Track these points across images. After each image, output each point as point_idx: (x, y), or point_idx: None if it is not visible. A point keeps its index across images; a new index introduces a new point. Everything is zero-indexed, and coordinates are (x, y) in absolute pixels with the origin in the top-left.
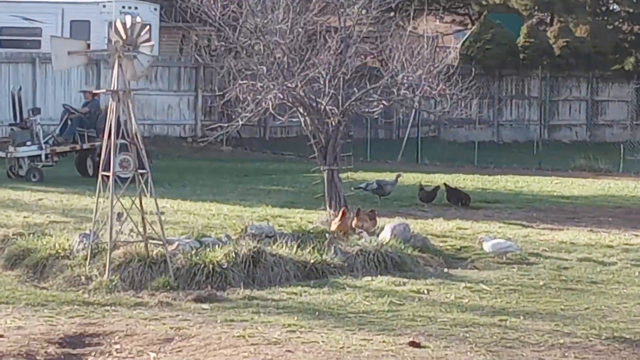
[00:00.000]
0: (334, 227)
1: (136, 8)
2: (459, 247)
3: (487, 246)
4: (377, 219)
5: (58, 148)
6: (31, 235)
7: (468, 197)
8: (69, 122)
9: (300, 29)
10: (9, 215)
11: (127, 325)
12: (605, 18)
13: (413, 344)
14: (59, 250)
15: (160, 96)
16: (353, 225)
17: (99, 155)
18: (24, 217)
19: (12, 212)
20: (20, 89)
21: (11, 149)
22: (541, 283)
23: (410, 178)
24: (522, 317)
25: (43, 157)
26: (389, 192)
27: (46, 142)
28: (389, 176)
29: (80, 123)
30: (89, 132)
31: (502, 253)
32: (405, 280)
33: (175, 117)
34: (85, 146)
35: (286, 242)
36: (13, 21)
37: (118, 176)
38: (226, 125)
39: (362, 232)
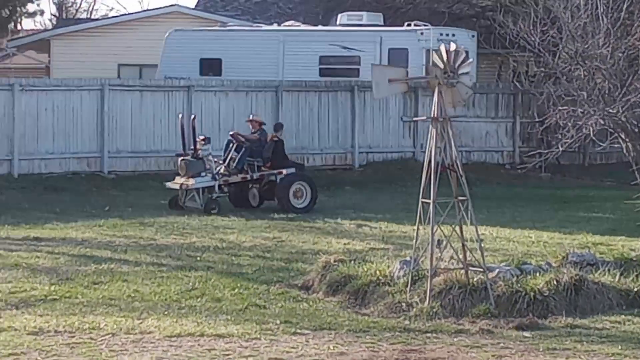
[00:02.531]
0: None
1: (453, 35)
2: None
3: None
4: None
5: (230, 178)
6: (352, 262)
7: None
8: (239, 151)
9: (620, 54)
10: (330, 242)
11: (448, 352)
12: None
13: None
14: (380, 277)
15: (477, 123)
16: None
17: (265, 185)
18: (344, 244)
19: (332, 238)
20: (194, 117)
21: (180, 179)
22: None
23: None
24: None
25: (216, 188)
26: None
27: (217, 173)
28: None
29: (250, 153)
30: (257, 161)
31: None
32: None
33: (493, 144)
34: (255, 176)
35: (608, 270)
36: (332, 50)
37: (294, 206)
38: (545, 151)
39: None
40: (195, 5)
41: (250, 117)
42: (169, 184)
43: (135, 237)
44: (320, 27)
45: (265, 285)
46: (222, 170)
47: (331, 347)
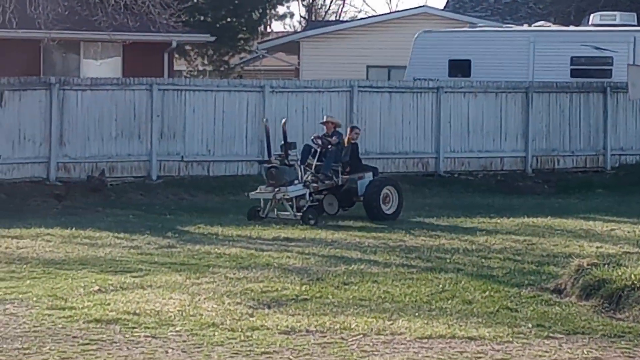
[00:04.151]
0: None
1: None
2: None
3: None
4: None
5: (320, 186)
6: (606, 265)
7: None
8: (324, 156)
9: None
10: (582, 245)
11: None
12: None
13: None
14: (635, 282)
15: None
16: None
17: (345, 191)
18: (597, 247)
19: (584, 242)
20: (285, 121)
21: (269, 189)
22: None
23: None
24: None
25: (307, 197)
26: None
27: (307, 180)
28: None
29: (335, 158)
30: (338, 166)
31: None
32: None
33: None
34: (340, 182)
35: None
36: (584, 51)
37: (383, 212)
38: None
39: None
40: (444, 7)
41: (325, 119)
42: (254, 194)
43: (384, 238)
44: (571, 28)
45: (516, 288)
46: (310, 178)
47: (585, 352)
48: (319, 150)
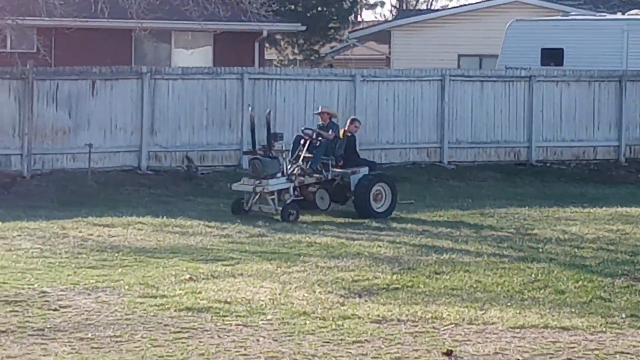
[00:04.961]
0: None
1: None
2: None
3: None
4: None
5: (306, 179)
6: None
7: None
8: (314, 149)
9: None
10: None
11: None
12: None
13: None
14: None
15: None
16: None
17: (338, 186)
18: None
19: None
20: (269, 112)
21: (251, 181)
22: None
23: None
24: None
25: (291, 191)
26: None
27: (292, 173)
28: None
29: (326, 151)
30: (329, 160)
31: None
32: None
33: None
34: (329, 176)
35: None
36: None
37: (374, 210)
38: None
39: None
40: None
41: (320, 109)
42: (236, 186)
43: (476, 227)
44: None
45: (609, 278)
46: (296, 171)
47: None
48: (309, 141)
